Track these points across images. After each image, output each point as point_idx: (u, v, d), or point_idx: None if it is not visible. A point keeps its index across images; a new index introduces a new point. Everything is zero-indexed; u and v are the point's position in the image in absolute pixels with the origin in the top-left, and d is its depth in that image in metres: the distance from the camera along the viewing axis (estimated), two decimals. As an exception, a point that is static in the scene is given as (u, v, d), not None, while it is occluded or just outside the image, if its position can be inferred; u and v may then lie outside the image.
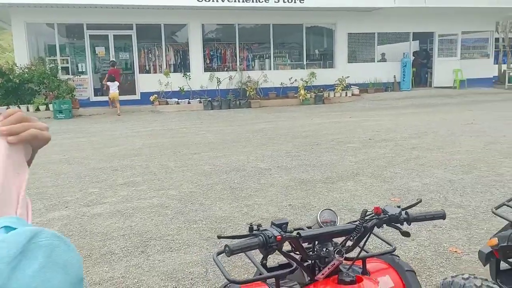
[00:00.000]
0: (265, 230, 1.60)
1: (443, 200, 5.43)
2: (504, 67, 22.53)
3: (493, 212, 2.39)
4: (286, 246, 1.78)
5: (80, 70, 17.90)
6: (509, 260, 2.48)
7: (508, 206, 2.37)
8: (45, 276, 0.60)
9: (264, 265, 2.01)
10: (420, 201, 1.85)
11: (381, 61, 21.54)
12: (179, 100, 17.69)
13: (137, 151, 9.10)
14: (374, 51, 21.29)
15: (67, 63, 17.75)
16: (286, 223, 1.64)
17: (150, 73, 18.64)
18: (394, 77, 20.91)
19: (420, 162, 7.34)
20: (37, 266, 0.59)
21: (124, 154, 8.77)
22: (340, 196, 5.66)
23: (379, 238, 2.01)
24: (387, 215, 1.74)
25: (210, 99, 17.79)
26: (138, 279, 3.62)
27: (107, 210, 5.40)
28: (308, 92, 18.56)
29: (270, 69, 19.82)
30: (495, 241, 2.33)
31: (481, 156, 7.52)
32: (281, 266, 1.93)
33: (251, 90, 18.33)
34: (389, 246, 1.96)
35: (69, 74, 17.35)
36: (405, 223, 1.78)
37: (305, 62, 20.37)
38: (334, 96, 18.92)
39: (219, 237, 1.68)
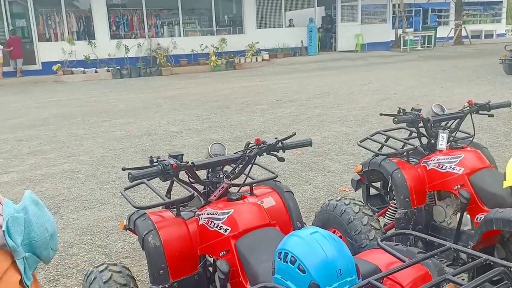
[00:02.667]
0: (163, 160, 1.89)
1: (338, 150, 6.07)
2: (400, 31, 24.33)
3: (358, 144, 2.89)
4: (185, 178, 2.09)
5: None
6: (373, 184, 3.03)
7: (371, 139, 2.88)
8: (42, 211, 1.11)
9: (169, 197, 2.32)
10: (294, 134, 2.24)
11: (289, 26, 22.22)
12: (86, 70, 16.97)
13: (42, 121, 8.80)
14: (282, 17, 21.86)
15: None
16: (182, 155, 1.94)
17: (51, 41, 17.57)
18: (302, 42, 21.72)
19: (321, 119, 7.99)
20: (35, 208, 1.09)
21: (29, 125, 8.45)
22: (247, 152, 6.07)
23: (262, 167, 2.39)
24: (265, 145, 2.11)
25: (118, 67, 17.27)
26: (53, 236, 3.75)
27: (15, 178, 5.32)
28: (219, 58, 18.72)
29: (180, 36, 19.60)
30: (359, 167, 2.84)
31: (374, 111, 8.35)
32: (187, 197, 2.24)
33: (161, 57, 18.08)
34: (271, 173, 2.35)
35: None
36: (280, 151, 2.16)
37: (215, 29, 20.41)
38: (245, 61, 19.30)
39: (123, 169, 1.94)
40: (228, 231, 1.85)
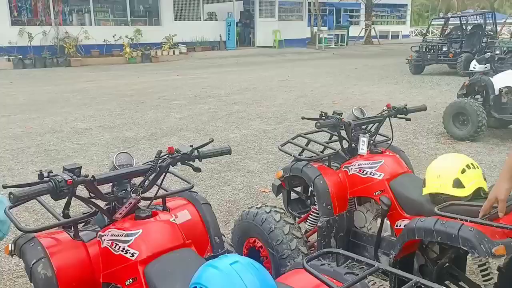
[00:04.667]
0: (56, 175, 1.60)
1: (258, 148, 5.97)
2: (315, 29, 25.03)
3: (279, 149, 2.77)
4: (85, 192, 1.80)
5: None
6: (294, 189, 2.92)
7: (292, 143, 2.77)
8: None
9: (66, 215, 2.00)
10: (212, 140, 2.03)
11: (208, 19, 21.87)
12: (-18, 58, 15.35)
13: None
14: (200, 10, 21.45)
15: None
16: (79, 168, 1.65)
17: None
18: (220, 36, 21.50)
19: (240, 116, 7.86)
20: None
21: None
22: (163, 151, 5.75)
23: (176, 176, 2.17)
24: (180, 154, 1.89)
25: (21, 56, 15.81)
26: None
27: None
28: (135, 50, 17.91)
29: (91, 24, 18.44)
30: (280, 173, 2.72)
31: (292, 108, 8.39)
32: (86, 214, 1.95)
33: (70, 47, 16.88)
34: (187, 183, 2.14)
35: None
36: (197, 160, 1.95)
37: (129, 19, 19.49)
38: (162, 54, 18.66)
39: (4, 186, 1.61)
40: (135, 255, 1.60)
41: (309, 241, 2.77)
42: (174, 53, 18.98)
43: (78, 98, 9.52)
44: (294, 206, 3.08)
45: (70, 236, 1.77)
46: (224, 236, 2.21)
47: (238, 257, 1.24)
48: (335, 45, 24.89)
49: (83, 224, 1.92)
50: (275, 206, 2.58)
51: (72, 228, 1.77)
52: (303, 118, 2.69)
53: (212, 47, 21.08)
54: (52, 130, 6.75)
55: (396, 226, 2.35)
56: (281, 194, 3.01)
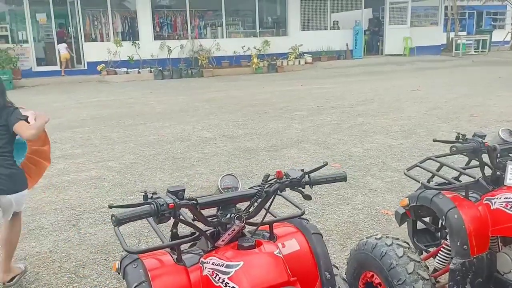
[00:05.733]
0: (158, 198, 1.54)
1: (381, 165, 5.56)
2: (452, 35, 23.14)
3: (405, 173, 2.44)
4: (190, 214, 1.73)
5: (21, 38, 16.93)
6: (423, 219, 2.56)
7: (420, 167, 2.42)
8: None
9: (174, 234, 1.96)
10: (326, 164, 1.83)
11: (334, 28, 21.59)
12: (129, 70, 17.11)
13: (80, 122, 8.77)
14: (327, 19, 21.27)
15: (6, 31, 16.75)
16: (183, 190, 1.58)
17: (97, 41, 17.85)
18: (347, 45, 21.04)
19: (364, 129, 7.47)
20: None
21: (66, 126, 8.42)
22: (282, 164, 5.68)
23: (288, 200, 2.00)
24: (289, 179, 1.72)
25: (160, 68, 17.30)
26: (66, 253, 3.51)
27: (40, 184, 5.16)
28: (261, 60, 18.41)
29: (222, 37, 19.44)
30: (406, 201, 2.38)
31: (421, 122, 7.73)
32: (192, 235, 1.88)
33: (203, 59, 17.96)
34: (297, 208, 1.95)
35: (9, 43, 16.39)
36: (307, 186, 1.76)
37: (258, 30, 20.11)
38: (287, 64, 18.87)
39: (110, 206, 1.60)
40: (235, 290, 1.46)
41: (438, 282, 2.39)
42: (299, 63, 19.06)
43: (206, 108, 9.99)
44: (421, 237, 2.70)
45: (173, 259, 1.70)
46: (337, 267, 1.98)
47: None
48: (474, 52, 22.71)
49: (189, 245, 1.85)
50: (397, 238, 2.26)
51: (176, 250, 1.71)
52: (434, 140, 2.32)
53: (338, 56, 20.72)
54: (181, 138, 7.13)
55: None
56: (405, 223, 2.66)
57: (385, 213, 4.15)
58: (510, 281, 2.13)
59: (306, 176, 1.76)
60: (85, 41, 17.56)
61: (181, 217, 1.82)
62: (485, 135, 2.20)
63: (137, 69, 17.25)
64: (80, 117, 9.37)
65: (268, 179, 1.70)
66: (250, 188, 1.74)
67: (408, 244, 2.25)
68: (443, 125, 7.36)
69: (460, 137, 2.21)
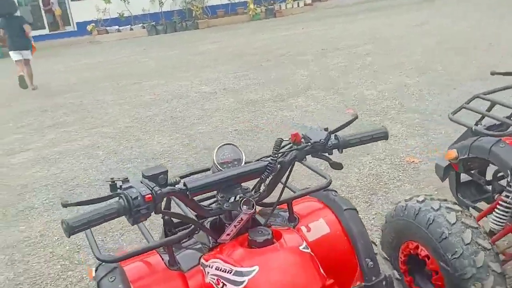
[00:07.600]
0: (130, 187, 1.09)
1: (399, 107, 5.07)
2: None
3: (450, 119, 1.96)
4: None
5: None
6: (471, 172, 2.11)
7: (467, 108, 1.94)
8: None
9: (167, 221, 1.54)
10: (356, 117, 1.36)
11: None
12: (121, 28, 16.28)
13: (70, 87, 8.24)
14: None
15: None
16: (164, 173, 1.13)
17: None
18: (346, -19, 19.86)
19: (374, 69, 6.90)
20: None
21: (55, 92, 7.92)
22: (290, 115, 5.20)
23: (310, 168, 1.55)
24: (309, 143, 1.26)
25: (153, 23, 16.43)
26: (59, 235, 3.14)
27: (31, 157, 4.77)
28: (258, 6, 17.43)
29: (215, -16, 18.37)
30: (454, 153, 1.91)
31: (433, 57, 7.12)
32: (186, 228, 1.46)
33: (197, 9, 17.03)
34: (322, 177, 1.51)
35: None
36: (335, 150, 1.31)
37: (252, -27, 18.94)
38: (286, 8, 17.87)
39: (63, 205, 1.16)
40: (251, 305, 1.04)
41: (497, 247, 1.96)
42: (298, 5, 18.05)
43: (203, 61, 9.39)
44: (465, 191, 2.27)
45: (165, 262, 1.28)
46: (375, 244, 1.54)
47: None
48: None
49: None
50: (445, 200, 1.82)
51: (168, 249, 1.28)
52: (492, 73, 1.82)
53: (338, -6, 19.61)
54: (179, 96, 6.63)
55: None
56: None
57: (411, 161, 3.71)
58: None
59: (333, 136, 1.29)
60: (71, 0, 16.65)
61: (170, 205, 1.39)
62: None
63: (129, 26, 16.41)
64: (71, 81, 8.83)
65: (282, 145, 1.24)
66: (258, 160, 1.28)
67: (461, 207, 1.81)
68: (458, 58, 6.76)
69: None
